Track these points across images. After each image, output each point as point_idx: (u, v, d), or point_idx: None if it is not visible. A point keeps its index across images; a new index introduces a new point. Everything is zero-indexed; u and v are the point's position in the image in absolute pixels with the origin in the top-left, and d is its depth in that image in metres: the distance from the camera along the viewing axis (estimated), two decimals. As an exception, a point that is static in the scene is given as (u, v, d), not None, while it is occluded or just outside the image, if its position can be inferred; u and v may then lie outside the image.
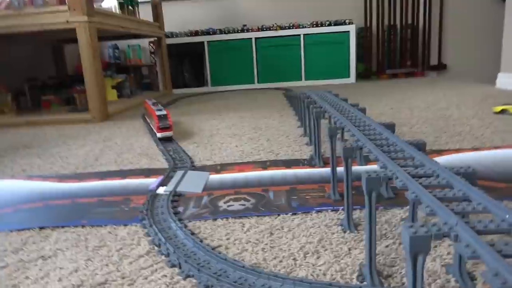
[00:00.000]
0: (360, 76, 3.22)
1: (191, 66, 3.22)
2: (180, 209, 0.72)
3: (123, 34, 2.58)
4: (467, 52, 3.22)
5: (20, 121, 1.92)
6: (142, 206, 0.74)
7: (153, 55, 3.21)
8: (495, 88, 2.20)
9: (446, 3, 3.14)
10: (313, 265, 0.50)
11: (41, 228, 0.67)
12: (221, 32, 3.12)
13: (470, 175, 0.44)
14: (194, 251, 0.54)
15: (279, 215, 0.67)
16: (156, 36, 2.94)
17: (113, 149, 1.26)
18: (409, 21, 3.11)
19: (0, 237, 0.65)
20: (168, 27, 3.13)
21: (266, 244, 0.56)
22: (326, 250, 0.53)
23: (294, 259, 0.52)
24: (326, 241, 0.56)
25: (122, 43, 3.46)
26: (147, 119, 1.63)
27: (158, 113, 1.31)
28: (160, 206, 0.73)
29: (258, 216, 0.67)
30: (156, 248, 0.57)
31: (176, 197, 0.78)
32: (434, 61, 3.18)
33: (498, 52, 2.28)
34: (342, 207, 0.67)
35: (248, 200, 0.74)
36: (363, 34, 3.20)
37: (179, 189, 0.81)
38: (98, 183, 0.91)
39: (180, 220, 0.66)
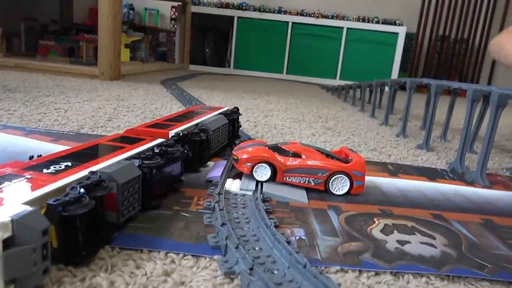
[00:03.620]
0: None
1: (215, 42, 2.84)
2: (299, 232, 0.35)
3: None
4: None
5: (8, 62, 1.52)
6: (209, 214, 0.37)
7: (173, 22, 2.82)
8: None
9: (508, 22, 2.83)
10: None
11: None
12: (255, 9, 2.74)
13: None
14: None
15: (531, 285, 0.30)
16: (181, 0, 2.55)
17: (133, 112, 0.88)
18: (465, 36, 2.78)
19: None
20: (196, -7, 2.74)
21: None
22: None
23: None
24: None
25: (139, 4, 3.07)
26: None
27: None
28: (244, 218, 0.36)
29: (488, 280, 0.30)
30: None
31: (267, 204, 0.41)
32: (484, 81, 2.87)
33: None
34: None
35: (428, 235, 0.37)
36: (411, 40, 2.86)
37: (266, 189, 0.44)
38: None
39: (313, 263, 0.29)
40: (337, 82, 2.73)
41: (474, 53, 2.83)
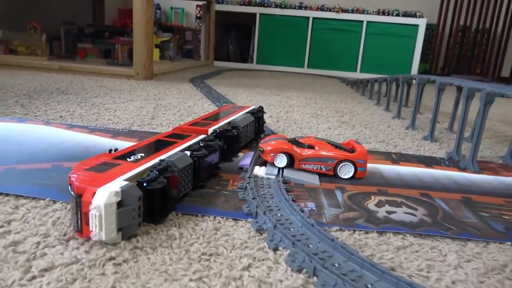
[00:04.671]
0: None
1: (238, 38, 2.95)
2: (310, 205, 0.47)
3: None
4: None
5: (53, 65, 1.68)
6: (242, 191, 0.48)
7: (198, 21, 2.95)
8: None
9: (529, 10, 2.81)
10: None
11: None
12: (277, 6, 2.83)
13: None
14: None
15: (486, 242, 0.40)
16: (206, -1, 2.67)
17: (170, 110, 1.00)
18: (487, 25, 2.78)
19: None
20: (219, -8, 2.86)
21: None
22: None
23: None
24: None
25: (165, 3, 3.21)
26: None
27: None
28: (269, 195, 0.47)
29: (450, 238, 0.41)
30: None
31: (287, 185, 0.52)
32: (506, 72, 2.86)
33: None
34: None
35: (412, 208, 0.48)
36: (432, 31, 2.89)
37: (286, 174, 0.56)
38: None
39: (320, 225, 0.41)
40: (357, 75, 2.79)
41: (496, 43, 2.82)
